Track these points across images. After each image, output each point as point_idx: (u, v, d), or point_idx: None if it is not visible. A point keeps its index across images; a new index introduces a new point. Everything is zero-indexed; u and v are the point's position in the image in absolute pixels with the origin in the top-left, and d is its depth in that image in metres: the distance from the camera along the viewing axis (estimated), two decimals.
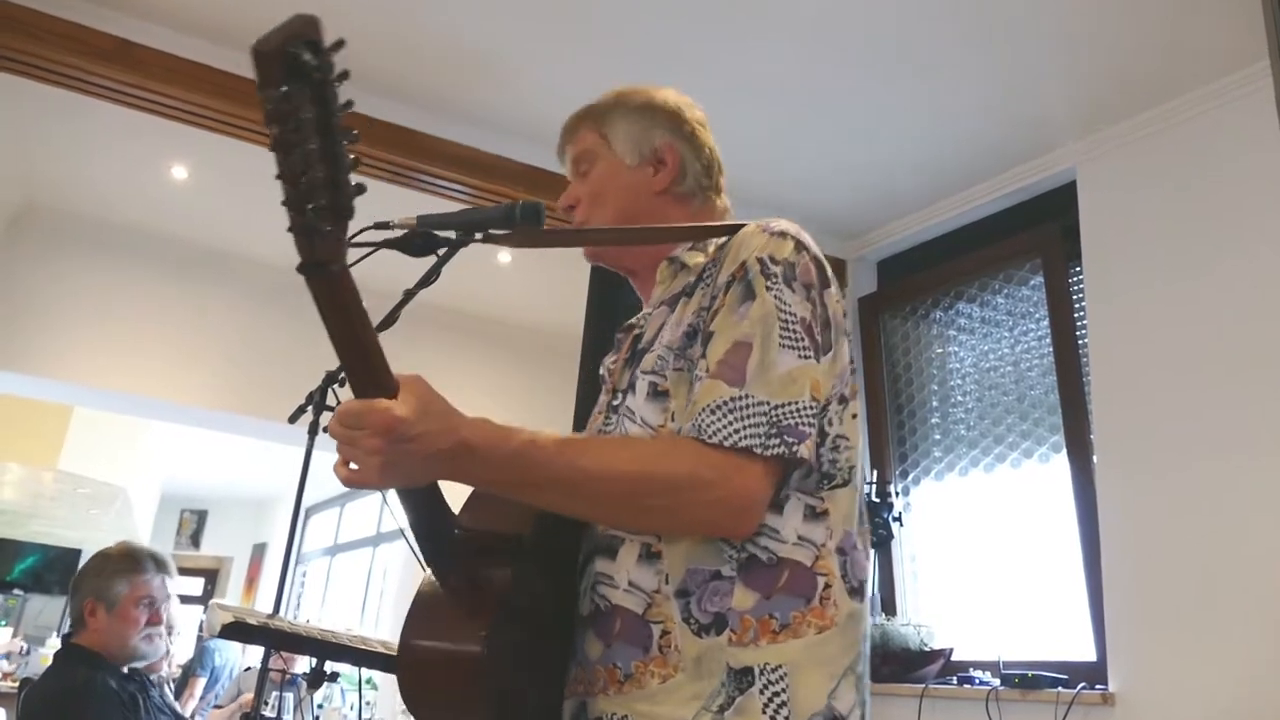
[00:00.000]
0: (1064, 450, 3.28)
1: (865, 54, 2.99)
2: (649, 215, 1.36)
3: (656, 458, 1.06)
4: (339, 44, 0.85)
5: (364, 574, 8.97)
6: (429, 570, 1.09)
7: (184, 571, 11.49)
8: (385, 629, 7.54)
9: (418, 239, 1.27)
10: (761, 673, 1.05)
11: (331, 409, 2.02)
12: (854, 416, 1.18)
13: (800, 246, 1.19)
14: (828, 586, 1.10)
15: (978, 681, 3.20)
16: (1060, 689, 2.93)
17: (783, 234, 1.19)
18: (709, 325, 1.14)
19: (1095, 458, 3.13)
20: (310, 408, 2.04)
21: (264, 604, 10.16)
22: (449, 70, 3.25)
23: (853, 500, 1.16)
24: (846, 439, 1.16)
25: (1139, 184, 3.15)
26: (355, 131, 0.85)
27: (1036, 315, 3.52)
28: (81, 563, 8.43)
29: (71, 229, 4.61)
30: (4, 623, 9.21)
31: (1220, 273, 2.87)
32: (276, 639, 1.69)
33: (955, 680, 3.28)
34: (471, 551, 1.08)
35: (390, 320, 1.83)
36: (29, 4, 2.93)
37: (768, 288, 1.12)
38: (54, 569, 10.34)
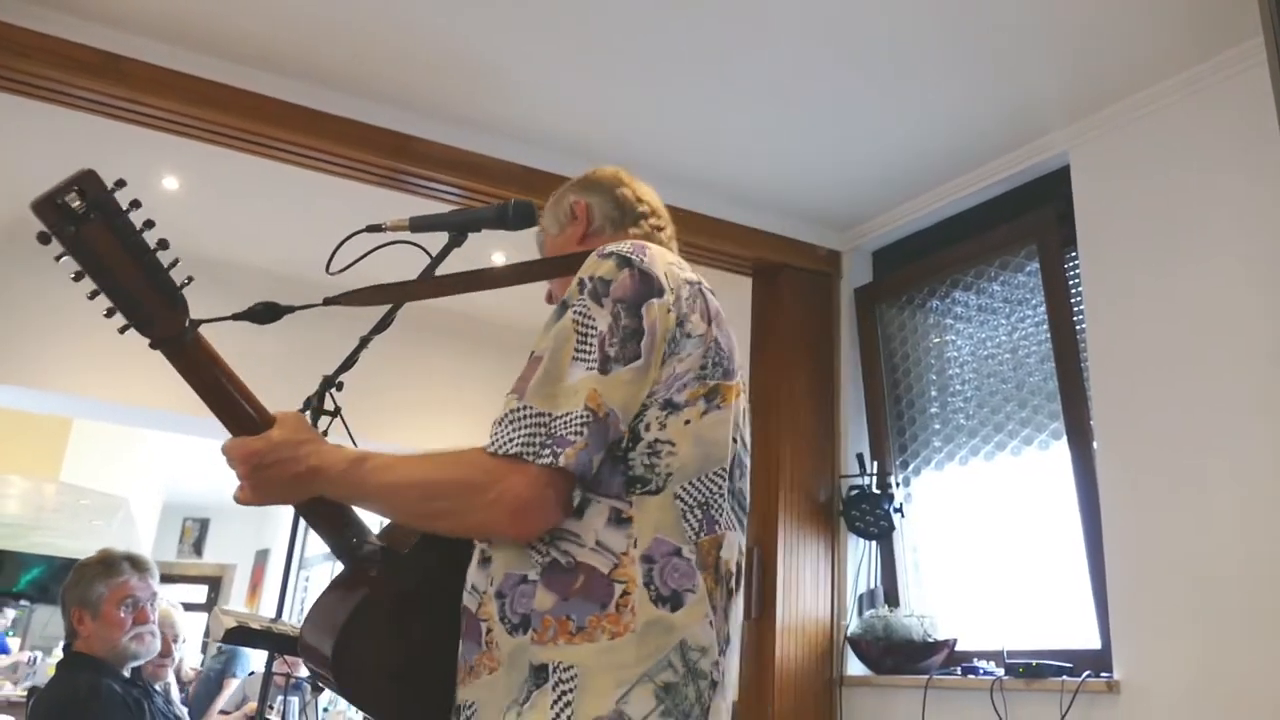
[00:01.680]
0: (1064, 437, 3.28)
1: (854, 44, 2.99)
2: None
3: (442, 467, 1.18)
4: (119, 184, 1.15)
5: None
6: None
7: (187, 580, 11.53)
8: None
9: (262, 310, 1.56)
10: (554, 670, 1.12)
11: (330, 414, 2.02)
12: (688, 423, 1.21)
13: (624, 264, 1.24)
14: (625, 594, 1.14)
15: (982, 672, 3.20)
16: (1065, 678, 2.93)
17: (608, 254, 1.25)
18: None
19: (1095, 444, 3.13)
20: (308, 414, 2.03)
21: (268, 610, 10.16)
22: (442, 74, 3.25)
23: (667, 509, 1.19)
24: (671, 445, 1.20)
25: (1133, 167, 3.15)
26: (160, 239, 1.18)
27: (1033, 302, 3.52)
28: None
29: None
30: (12, 633, 9.22)
31: (1218, 256, 2.87)
32: (280, 643, 1.70)
33: (959, 671, 3.28)
34: (360, 558, 1.28)
35: (385, 324, 1.84)
36: (14, 20, 2.93)
37: (573, 305, 1.21)
38: (59, 579, 10.33)
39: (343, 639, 1.19)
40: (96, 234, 1.07)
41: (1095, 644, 3.06)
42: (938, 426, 3.80)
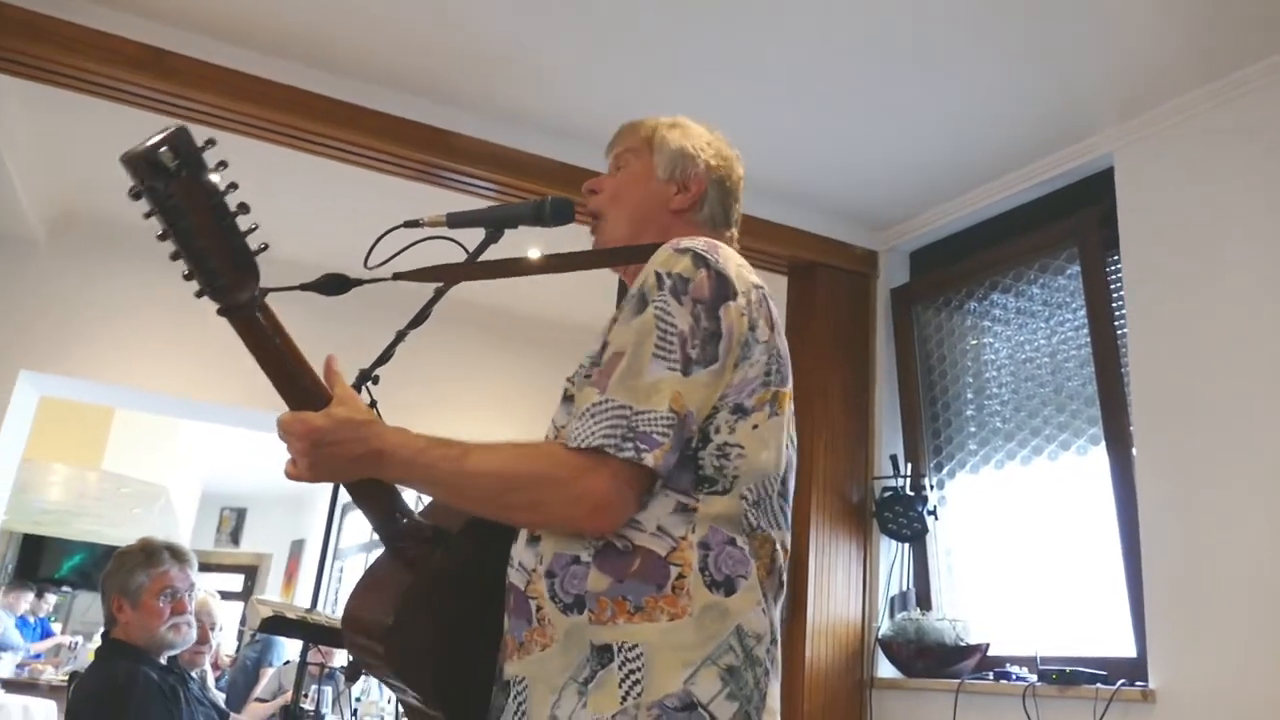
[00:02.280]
0: (1102, 442, 3.23)
1: (894, 42, 2.96)
2: (657, 225, 1.44)
3: (520, 459, 1.18)
4: (209, 143, 1.08)
5: None
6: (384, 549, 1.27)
7: (224, 568, 11.69)
8: None
9: (331, 281, 1.50)
10: (619, 650, 1.14)
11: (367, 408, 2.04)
12: (756, 428, 1.24)
13: (700, 262, 1.24)
14: (681, 576, 1.16)
15: (1014, 677, 3.17)
16: (1099, 685, 2.89)
17: (684, 250, 1.25)
18: (606, 336, 1.25)
19: (1135, 450, 3.08)
20: None
21: (303, 599, 10.28)
22: (481, 70, 3.27)
23: (733, 507, 1.22)
24: (740, 448, 1.22)
25: (1180, 169, 3.09)
26: (241, 203, 1.14)
27: (1073, 305, 3.48)
28: None
29: (108, 234, 4.68)
30: (54, 618, 9.40)
31: (1264, 262, 2.81)
32: (314, 633, 1.72)
33: (992, 676, 3.25)
34: (410, 537, 1.25)
35: (422, 318, 1.85)
36: (61, 15, 2.98)
37: (654, 300, 1.21)
38: (100, 566, 10.48)
39: (404, 611, 1.18)
40: (185, 192, 1.05)
41: (1130, 652, 3.02)
42: (973, 429, 3.77)
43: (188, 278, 1.10)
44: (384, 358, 1.98)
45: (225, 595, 10.97)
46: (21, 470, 5.17)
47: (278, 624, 1.64)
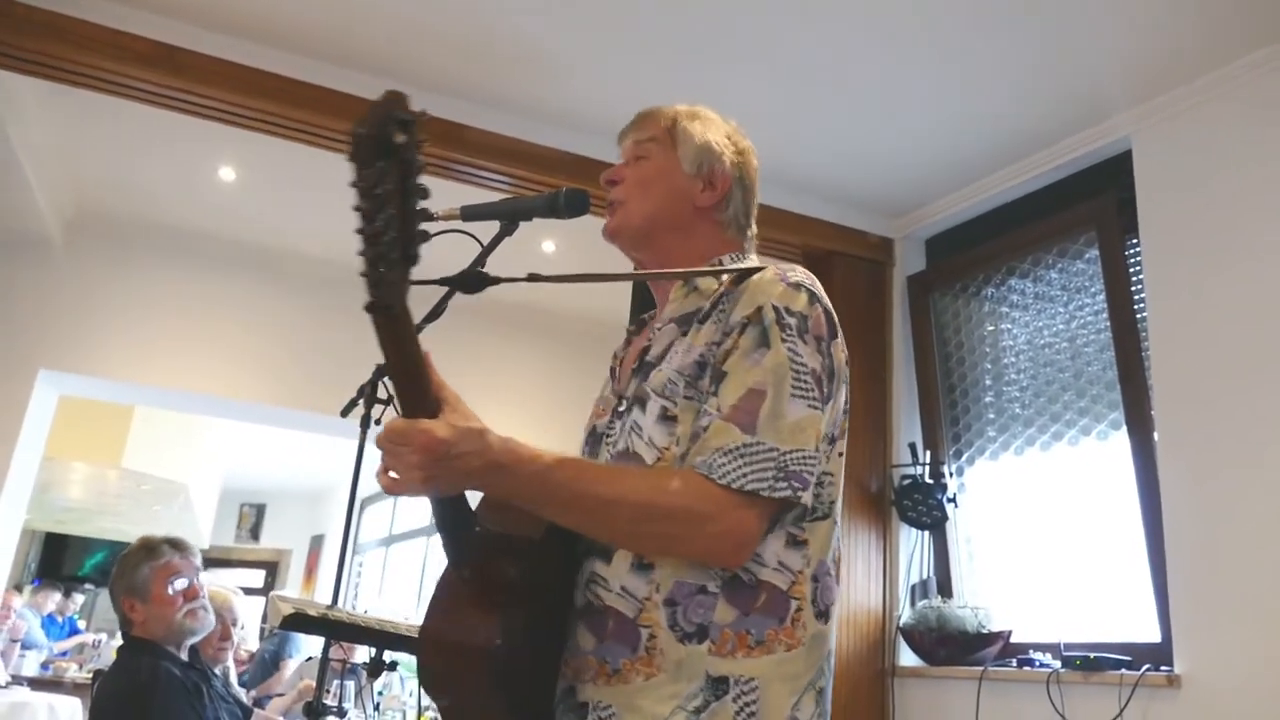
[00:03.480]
0: (1124, 427, 3.21)
1: (911, 27, 2.94)
2: (681, 222, 1.43)
3: (662, 490, 1.16)
4: (423, 114, 0.95)
5: (419, 563, 9.09)
6: (450, 561, 1.18)
7: (244, 564, 11.76)
8: None
9: (471, 278, 1.35)
10: (735, 683, 1.16)
11: (383, 402, 2.04)
12: (840, 455, 1.30)
13: (813, 299, 1.27)
14: (799, 610, 1.21)
15: (1038, 664, 3.15)
16: (1124, 671, 2.87)
17: (798, 285, 1.27)
18: (721, 363, 1.23)
19: (1156, 434, 3.06)
20: (361, 401, 2.06)
21: (323, 594, 10.34)
22: (493, 62, 3.26)
23: (831, 531, 1.27)
24: (831, 475, 1.28)
25: (1198, 152, 3.06)
26: (428, 190, 0.98)
27: (1092, 289, 3.44)
28: None
29: (125, 233, 4.71)
30: (79, 616, 9.48)
31: None
32: (336, 630, 1.72)
33: (1015, 663, 3.23)
34: (490, 549, 1.18)
35: (437, 313, 1.84)
36: (73, 13, 2.99)
37: (783, 339, 1.22)
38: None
39: (510, 632, 1.12)
40: (398, 171, 0.94)
41: (1155, 637, 3.00)
42: (992, 416, 3.74)
43: (369, 271, 0.96)
44: None
45: (247, 591, 11.04)
46: (42, 469, 5.21)
47: (299, 621, 1.63)
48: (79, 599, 9.30)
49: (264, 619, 8.41)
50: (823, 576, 1.25)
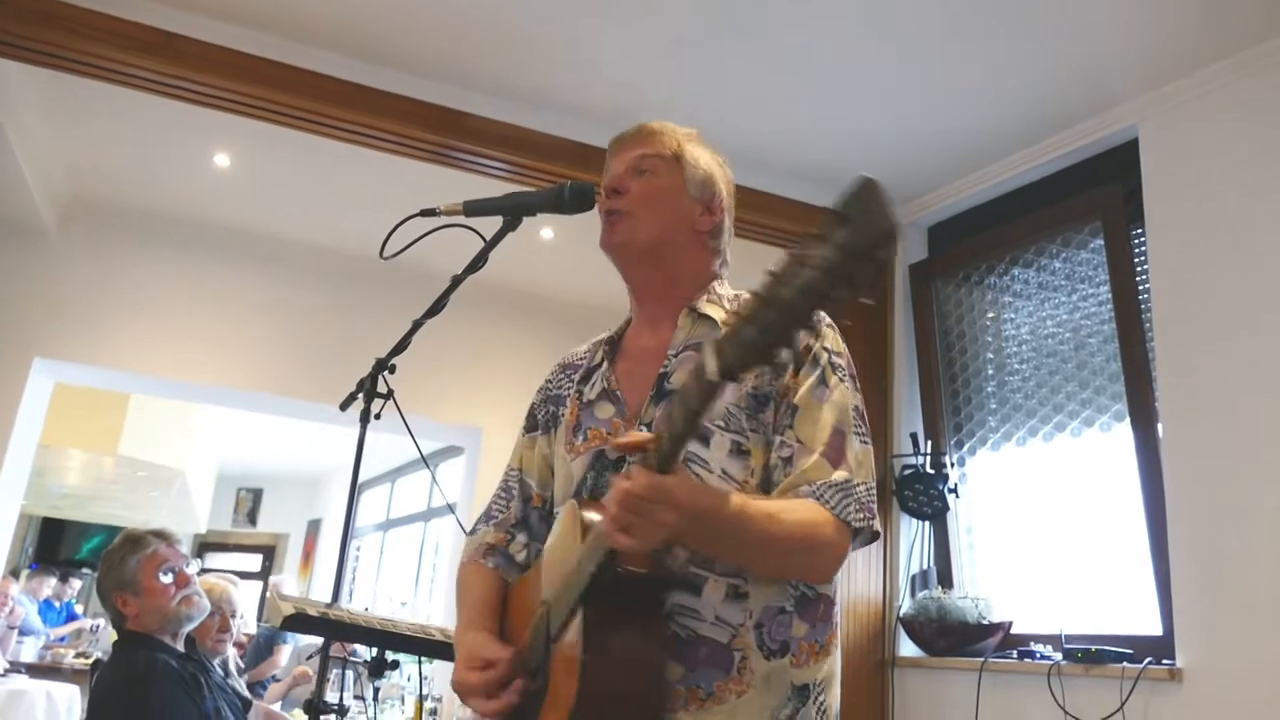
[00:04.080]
0: (1127, 419, 3.19)
1: (916, 13, 2.90)
2: (681, 245, 1.46)
3: (815, 525, 1.24)
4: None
5: (416, 548, 9.10)
6: (590, 604, 1.17)
7: (241, 548, 11.77)
8: (439, 601, 7.63)
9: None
10: (813, 688, 1.30)
11: (382, 396, 2.02)
12: None
13: (839, 337, 1.40)
14: (835, 613, 1.37)
15: (1039, 656, 3.14)
16: (1125, 664, 2.86)
17: (832, 327, 1.39)
18: (790, 397, 1.32)
19: (1160, 426, 3.04)
20: (361, 395, 2.04)
21: (321, 578, 10.35)
22: (494, 48, 3.22)
23: None
24: None
25: (1206, 141, 3.03)
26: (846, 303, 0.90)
27: (1096, 279, 3.42)
28: None
29: (120, 220, 4.67)
30: (76, 600, 9.47)
31: None
32: (337, 630, 1.70)
33: (1015, 655, 3.22)
34: (632, 592, 1.21)
35: (439, 306, 1.82)
36: (71, 0, 2.95)
37: (840, 379, 1.34)
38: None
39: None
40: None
41: (1157, 630, 2.99)
42: (994, 406, 3.72)
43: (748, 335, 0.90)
44: (400, 347, 1.96)
45: (244, 575, 11.05)
46: (38, 455, 5.18)
47: (300, 622, 1.62)
48: (76, 584, 9.28)
49: (260, 617, 8.42)
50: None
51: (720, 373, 0.93)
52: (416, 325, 1.86)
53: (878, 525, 1.31)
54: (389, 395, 2.03)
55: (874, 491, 1.31)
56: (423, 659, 1.90)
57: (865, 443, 1.33)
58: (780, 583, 1.30)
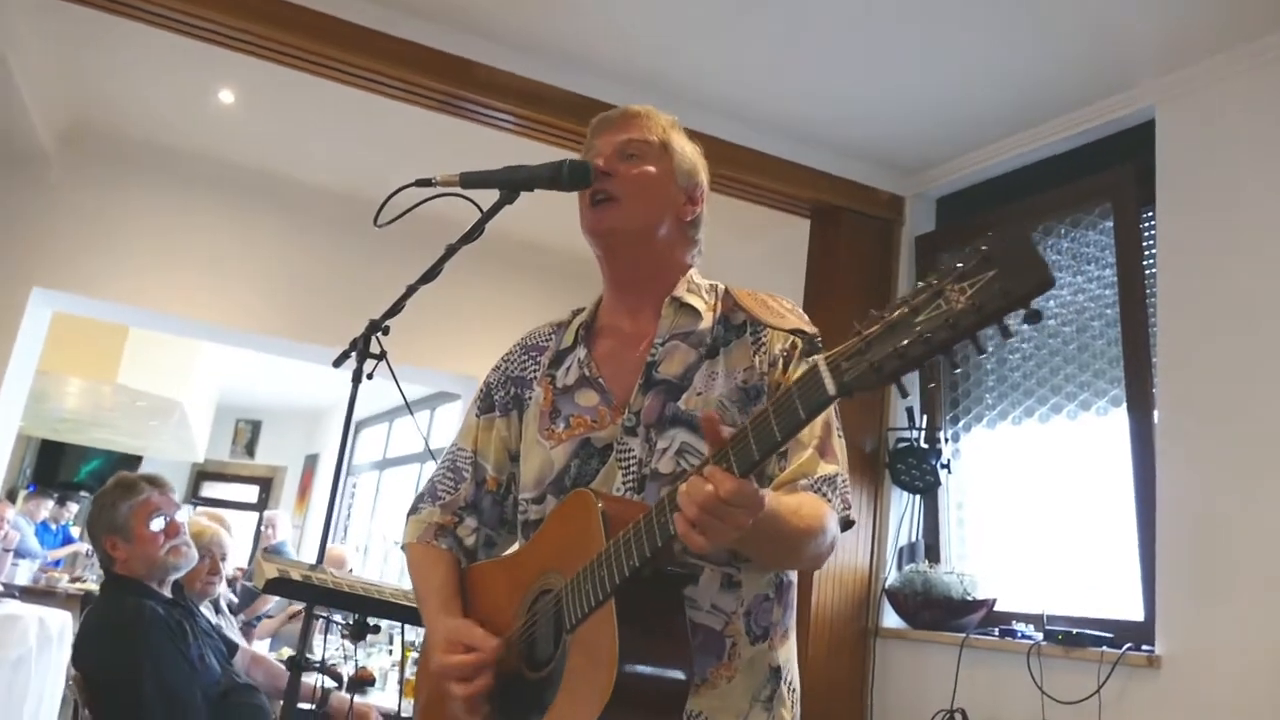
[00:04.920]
0: (1124, 404, 3.18)
1: None
2: (668, 233, 1.46)
3: (827, 519, 1.28)
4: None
5: (412, 487, 9.16)
6: (620, 592, 1.15)
7: (239, 479, 11.84)
8: None
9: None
10: (784, 668, 1.38)
11: (375, 357, 2.01)
12: None
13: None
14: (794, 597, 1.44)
15: (1020, 635, 3.17)
16: (1105, 649, 2.88)
17: (808, 321, 1.43)
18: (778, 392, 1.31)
19: (1157, 414, 3.03)
20: (354, 354, 2.03)
21: (316, 513, 10.43)
22: None
23: None
24: None
25: (1223, 126, 2.98)
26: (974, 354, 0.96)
27: (1103, 262, 3.39)
28: (143, 469, 8.72)
29: (121, 152, 4.62)
30: (73, 523, 9.56)
31: None
32: (319, 595, 1.71)
33: (997, 632, 3.25)
34: (663, 584, 1.21)
35: (433, 273, 1.80)
36: None
37: None
38: (118, 472, 10.70)
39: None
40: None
41: (1138, 615, 3.01)
42: (992, 384, 3.71)
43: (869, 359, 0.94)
44: (394, 310, 1.95)
45: (240, 506, 11.15)
46: (37, 380, 5.19)
47: (282, 585, 1.62)
48: (74, 507, 9.36)
49: (248, 578, 8.49)
50: None
51: (838, 390, 0.96)
52: (411, 290, 1.84)
53: (854, 515, 1.37)
54: (381, 356, 2.02)
55: (849, 483, 1.37)
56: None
57: (841, 435, 1.39)
58: (768, 572, 1.35)
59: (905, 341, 0.90)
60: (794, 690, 1.39)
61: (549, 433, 1.42)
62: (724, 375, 1.37)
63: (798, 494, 1.30)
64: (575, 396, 1.42)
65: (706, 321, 1.41)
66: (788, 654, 1.40)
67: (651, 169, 1.44)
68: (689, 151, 1.50)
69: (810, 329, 1.40)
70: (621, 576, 1.13)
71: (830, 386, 0.96)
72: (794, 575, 1.42)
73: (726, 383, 1.36)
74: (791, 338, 1.37)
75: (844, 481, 1.34)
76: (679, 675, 1.17)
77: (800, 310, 1.44)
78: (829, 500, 1.30)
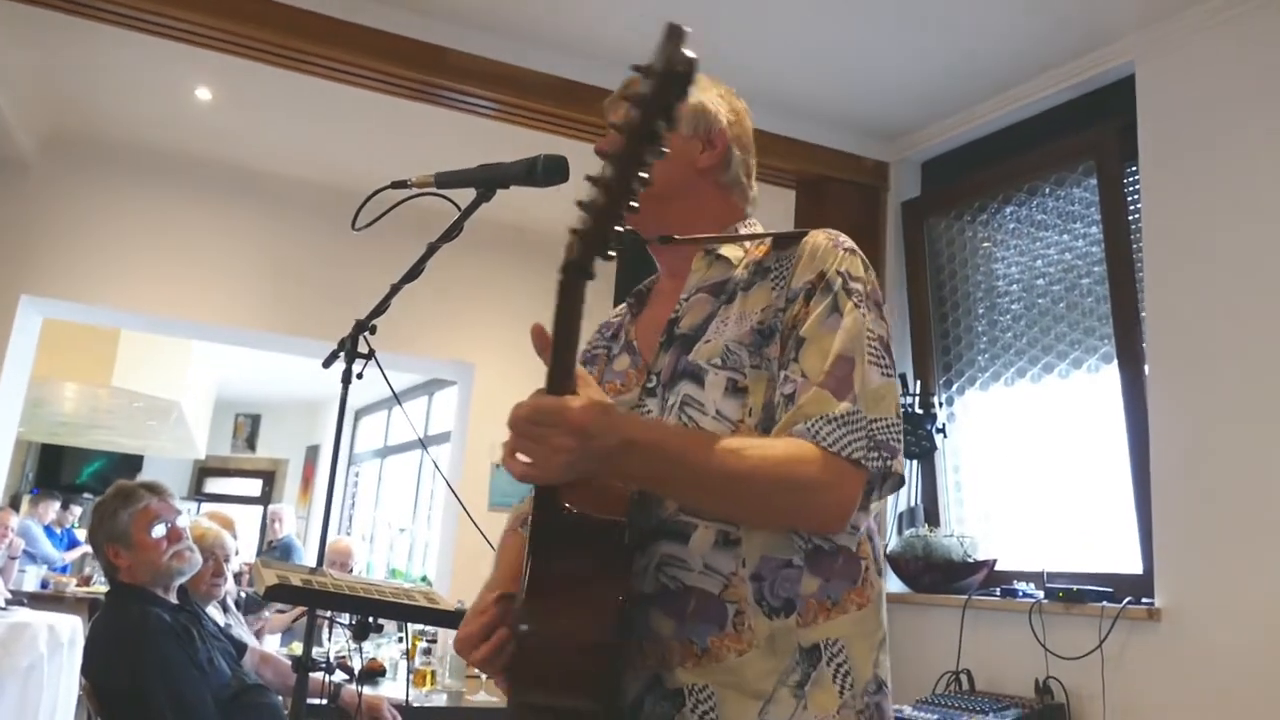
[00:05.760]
0: (1114, 360, 3.19)
1: None
2: (685, 188, 1.36)
3: (794, 460, 1.13)
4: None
5: (414, 474, 9.18)
6: (536, 547, 1.10)
7: (241, 474, 11.85)
8: (436, 530, 7.74)
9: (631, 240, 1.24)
10: (826, 647, 1.17)
11: (364, 356, 2.01)
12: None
13: (866, 265, 1.27)
14: (866, 568, 1.22)
15: (1021, 594, 3.19)
16: (1105, 603, 2.91)
17: (853, 251, 1.27)
18: (797, 329, 1.21)
19: (1147, 368, 3.04)
20: (343, 355, 2.03)
21: (320, 504, 10.46)
22: None
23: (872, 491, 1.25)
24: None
25: (1204, 79, 2.97)
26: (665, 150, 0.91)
27: (1089, 219, 3.39)
28: (145, 468, 8.68)
29: (101, 153, 4.60)
30: (77, 525, 9.57)
31: None
32: (320, 599, 1.72)
33: (998, 592, 3.28)
34: (584, 535, 1.11)
35: (415, 273, 1.80)
36: None
37: (855, 305, 1.21)
38: (120, 472, 10.71)
39: (619, 629, 1.08)
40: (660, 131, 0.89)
41: (1137, 568, 3.03)
42: (984, 345, 3.72)
43: (590, 230, 0.92)
44: (380, 309, 1.95)
45: (244, 500, 11.17)
46: (32, 387, 5.19)
47: (283, 592, 1.64)
48: (77, 510, 9.37)
49: (262, 529, 8.52)
50: (875, 534, 1.26)
51: (571, 263, 0.92)
52: (395, 289, 1.84)
53: (899, 466, 1.18)
54: (370, 355, 2.02)
55: (896, 428, 1.18)
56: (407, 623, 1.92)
57: (887, 375, 1.21)
58: (784, 533, 1.19)
59: (610, 170, 0.91)
60: (847, 675, 1.17)
61: None
62: (736, 319, 1.26)
63: (755, 435, 1.18)
64: (614, 364, 1.39)
65: (740, 270, 1.31)
66: (836, 632, 1.18)
67: None
68: (693, 97, 1.38)
69: (843, 268, 1.24)
70: (537, 525, 1.09)
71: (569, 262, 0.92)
72: (844, 540, 1.21)
73: (739, 326, 1.25)
74: (821, 271, 1.23)
75: (877, 423, 1.16)
76: (598, 633, 1.07)
77: (849, 242, 1.29)
78: (828, 443, 1.13)
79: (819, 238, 1.27)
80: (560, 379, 1.00)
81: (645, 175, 0.87)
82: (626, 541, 1.12)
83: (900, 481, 1.20)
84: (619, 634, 1.06)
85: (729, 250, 1.33)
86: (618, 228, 0.90)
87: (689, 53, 0.86)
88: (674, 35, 0.87)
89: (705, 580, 1.18)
